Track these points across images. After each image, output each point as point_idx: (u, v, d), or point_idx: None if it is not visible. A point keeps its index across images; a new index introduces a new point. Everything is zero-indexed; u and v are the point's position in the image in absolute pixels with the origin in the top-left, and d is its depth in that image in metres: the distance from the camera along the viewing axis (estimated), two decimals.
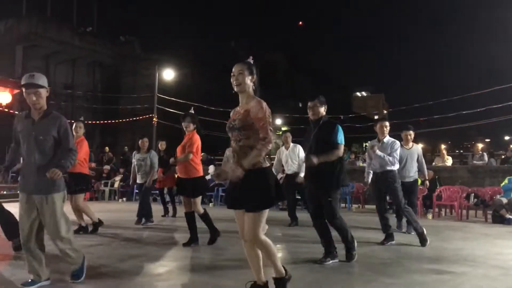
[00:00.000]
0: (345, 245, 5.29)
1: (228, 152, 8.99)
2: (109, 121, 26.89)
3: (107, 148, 21.92)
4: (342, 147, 5.08)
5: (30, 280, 3.89)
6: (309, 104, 5.18)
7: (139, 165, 8.92)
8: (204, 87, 33.20)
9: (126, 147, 22.11)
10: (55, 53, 28.93)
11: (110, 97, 28.78)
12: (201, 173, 6.42)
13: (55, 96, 26.68)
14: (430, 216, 11.03)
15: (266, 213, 3.46)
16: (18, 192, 4.00)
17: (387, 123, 6.87)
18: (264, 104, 3.44)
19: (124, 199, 16.08)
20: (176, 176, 7.00)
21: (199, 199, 6.32)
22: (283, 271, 3.61)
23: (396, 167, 6.66)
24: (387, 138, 6.77)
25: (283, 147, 8.91)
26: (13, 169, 8.60)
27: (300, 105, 47.82)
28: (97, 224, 7.39)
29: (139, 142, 9.01)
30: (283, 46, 52.23)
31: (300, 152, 8.34)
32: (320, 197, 5.16)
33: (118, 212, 8.49)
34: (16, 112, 9.89)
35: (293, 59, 52.01)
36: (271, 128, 3.44)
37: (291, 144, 8.77)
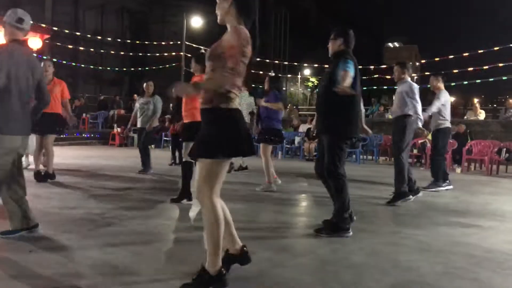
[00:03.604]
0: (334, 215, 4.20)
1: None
2: (137, 69, 26.97)
3: (135, 96, 22.09)
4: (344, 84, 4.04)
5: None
6: None
7: (142, 108, 8.38)
8: None
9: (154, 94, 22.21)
10: None
11: (138, 44, 28.74)
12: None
13: (84, 42, 26.80)
14: (459, 170, 10.88)
15: (219, 166, 2.69)
16: None
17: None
18: (243, 32, 2.68)
19: (153, 146, 16.33)
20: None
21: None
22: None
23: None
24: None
25: None
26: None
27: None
28: (51, 176, 6.86)
29: (144, 86, 8.52)
30: None
31: None
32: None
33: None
34: (45, 57, 9.92)
35: (325, 6, 50.51)
36: (245, 61, 2.72)
37: None
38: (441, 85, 7.50)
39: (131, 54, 28.30)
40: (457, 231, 4.43)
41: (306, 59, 37.22)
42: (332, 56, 4.39)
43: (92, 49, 25.91)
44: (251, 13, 2.81)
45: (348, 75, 4.04)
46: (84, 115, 19.50)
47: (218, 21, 2.84)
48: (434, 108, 7.25)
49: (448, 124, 7.43)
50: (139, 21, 32.97)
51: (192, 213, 5.00)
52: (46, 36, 14.54)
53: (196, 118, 5.26)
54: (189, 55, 25.13)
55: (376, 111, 18.70)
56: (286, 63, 36.55)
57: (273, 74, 6.93)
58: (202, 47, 24.92)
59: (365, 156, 13.53)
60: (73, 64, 24.19)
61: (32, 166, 7.23)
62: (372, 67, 24.70)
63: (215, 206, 2.64)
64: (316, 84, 39.83)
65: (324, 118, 4.30)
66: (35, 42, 13.10)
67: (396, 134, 6.17)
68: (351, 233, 4.06)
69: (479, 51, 20.88)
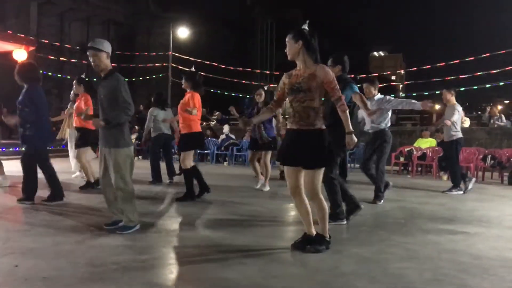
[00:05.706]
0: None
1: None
2: (124, 80, 26.90)
3: None
4: None
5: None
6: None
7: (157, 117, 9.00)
8: (219, 45, 32.85)
9: (141, 105, 22.11)
10: (69, 10, 28.68)
11: (124, 55, 28.67)
12: (194, 130, 6.47)
13: (70, 54, 26.67)
14: (445, 177, 10.97)
15: (323, 171, 3.76)
16: None
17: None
18: (328, 68, 3.77)
19: (140, 157, 16.19)
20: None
21: (188, 154, 6.45)
22: (327, 233, 3.89)
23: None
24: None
25: None
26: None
27: None
28: (90, 184, 7.44)
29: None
30: (301, 1, 51.09)
31: None
32: None
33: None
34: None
35: (311, 16, 50.97)
36: None
37: None
38: (453, 98, 8.04)
39: (117, 65, 28.21)
40: (445, 238, 4.48)
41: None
42: None
43: (75, 60, 25.76)
44: (316, 51, 3.79)
45: (363, 97, 5.26)
46: None
47: (289, 58, 3.85)
48: (455, 118, 7.80)
49: (461, 134, 8.00)
50: (126, 33, 32.90)
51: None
52: (32, 48, 14.44)
53: (192, 129, 6.32)
54: (175, 65, 25.18)
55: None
56: (273, 72, 36.71)
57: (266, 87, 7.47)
58: (190, 57, 24.94)
59: (352, 165, 13.57)
60: (59, 75, 24.04)
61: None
62: (359, 76, 24.84)
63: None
64: None
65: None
66: (20, 53, 13.02)
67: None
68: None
69: (463, 60, 21.17)
